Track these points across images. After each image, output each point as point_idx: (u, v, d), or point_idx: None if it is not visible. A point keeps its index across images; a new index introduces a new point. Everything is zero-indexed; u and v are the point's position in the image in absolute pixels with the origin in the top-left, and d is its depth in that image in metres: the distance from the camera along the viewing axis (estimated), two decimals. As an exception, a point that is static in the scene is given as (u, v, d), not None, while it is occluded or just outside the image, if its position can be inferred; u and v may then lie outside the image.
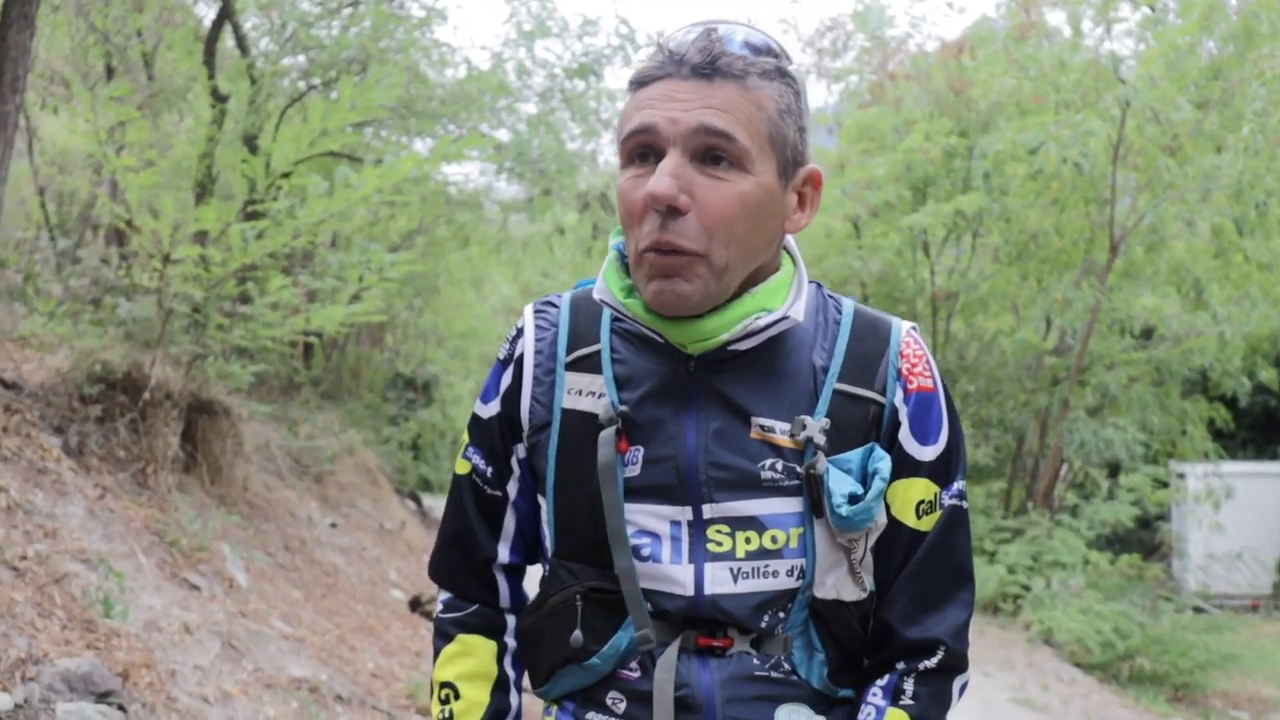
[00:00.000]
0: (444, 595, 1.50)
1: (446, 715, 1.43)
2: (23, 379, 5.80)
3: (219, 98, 9.12)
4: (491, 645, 1.46)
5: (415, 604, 7.53)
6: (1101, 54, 10.83)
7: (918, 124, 11.64)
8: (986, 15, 13.43)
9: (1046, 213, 10.79)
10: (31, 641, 3.61)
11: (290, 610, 5.74)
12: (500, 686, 1.45)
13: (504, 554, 1.46)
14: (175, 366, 6.37)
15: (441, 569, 1.50)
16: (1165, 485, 12.48)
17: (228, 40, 9.69)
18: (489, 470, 1.44)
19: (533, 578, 1.51)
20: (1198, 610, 11.20)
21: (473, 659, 1.45)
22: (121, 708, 3.45)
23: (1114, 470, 12.81)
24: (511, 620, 1.48)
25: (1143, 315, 11.80)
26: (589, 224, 12.68)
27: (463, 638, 1.46)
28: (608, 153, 13.76)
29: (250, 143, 9.06)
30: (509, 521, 1.45)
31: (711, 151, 1.23)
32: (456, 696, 1.44)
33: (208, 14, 10.27)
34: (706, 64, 1.23)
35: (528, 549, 1.47)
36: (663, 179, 1.21)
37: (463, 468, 1.46)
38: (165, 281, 5.95)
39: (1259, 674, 11.03)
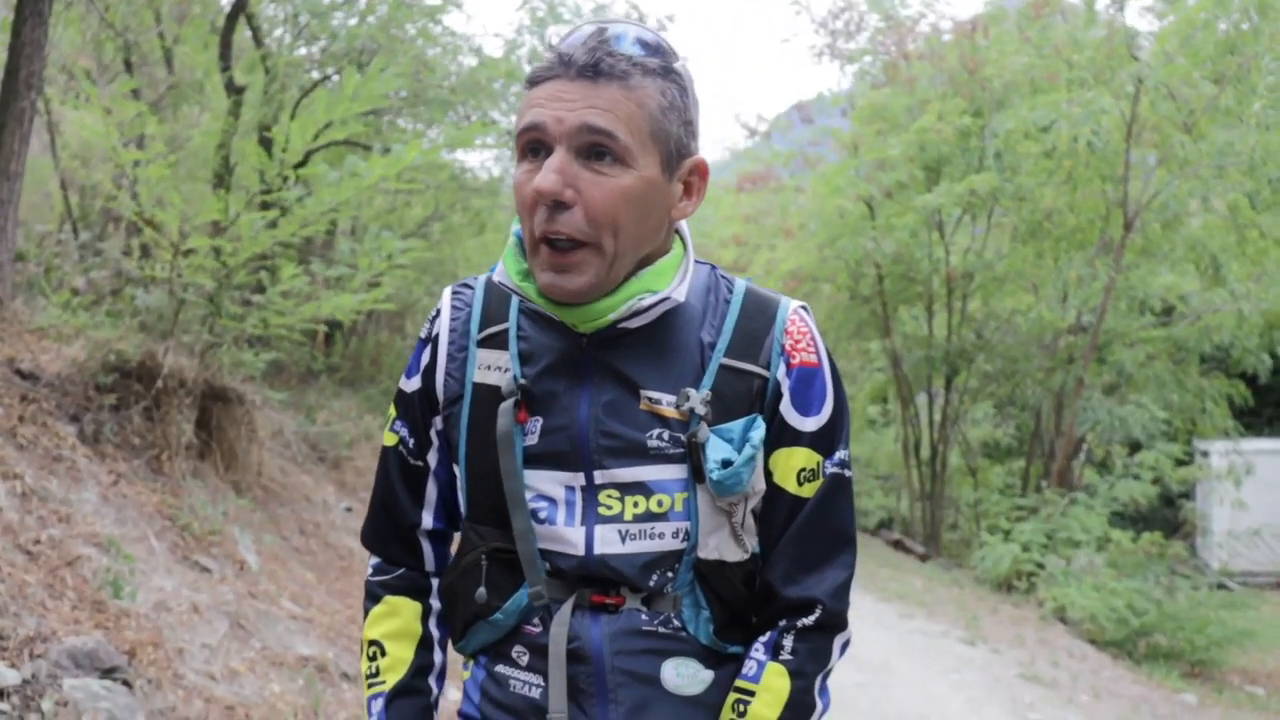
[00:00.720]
0: (374, 560, 1.60)
1: (373, 671, 1.54)
2: (40, 369, 5.94)
3: (234, 89, 9.25)
4: (416, 606, 1.56)
5: (430, 586, 7.66)
6: (1116, 30, 10.77)
7: (931, 104, 11.64)
8: (1001, -6, 13.33)
9: (1060, 191, 10.76)
10: (41, 621, 3.74)
11: (301, 591, 5.87)
12: (424, 645, 1.56)
13: (428, 520, 1.56)
14: (189, 355, 6.50)
15: (370, 535, 1.60)
16: (1185, 463, 12.45)
17: (244, 32, 9.82)
18: (412, 441, 1.54)
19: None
20: (1221, 587, 11.20)
21: (398, 619, 1.55)
22: (127, 683, 3.57)
23: (1135, 448, 12.78)
24: (436, 583, 1.58)
25: (1161, 292, 11.76)
26: (603, 209, 12.72)
27: (389, 599, 1.56)
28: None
29: (264, 133, 9.19)
30: (431, 490, 1.55)
31: (595, 148, 1.31)
32: (383, 653, 1.54)
33: (224, 6, 10.41)
34: (591, 65, 1.31)
35: (450, 516, 1.57)
36: (548, 175, 1.30)
37: (390, 440, 1.56)
38: (177, 272, 6.07)
39: (1278, 650, 11.02)
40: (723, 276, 1.50)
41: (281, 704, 4.28)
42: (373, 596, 1.58)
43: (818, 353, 1.44)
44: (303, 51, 9.70)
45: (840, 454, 1.45)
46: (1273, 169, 9.24)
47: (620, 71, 1.32)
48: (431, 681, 1.57)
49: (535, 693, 1.42)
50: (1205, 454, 14.64)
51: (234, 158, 9.14)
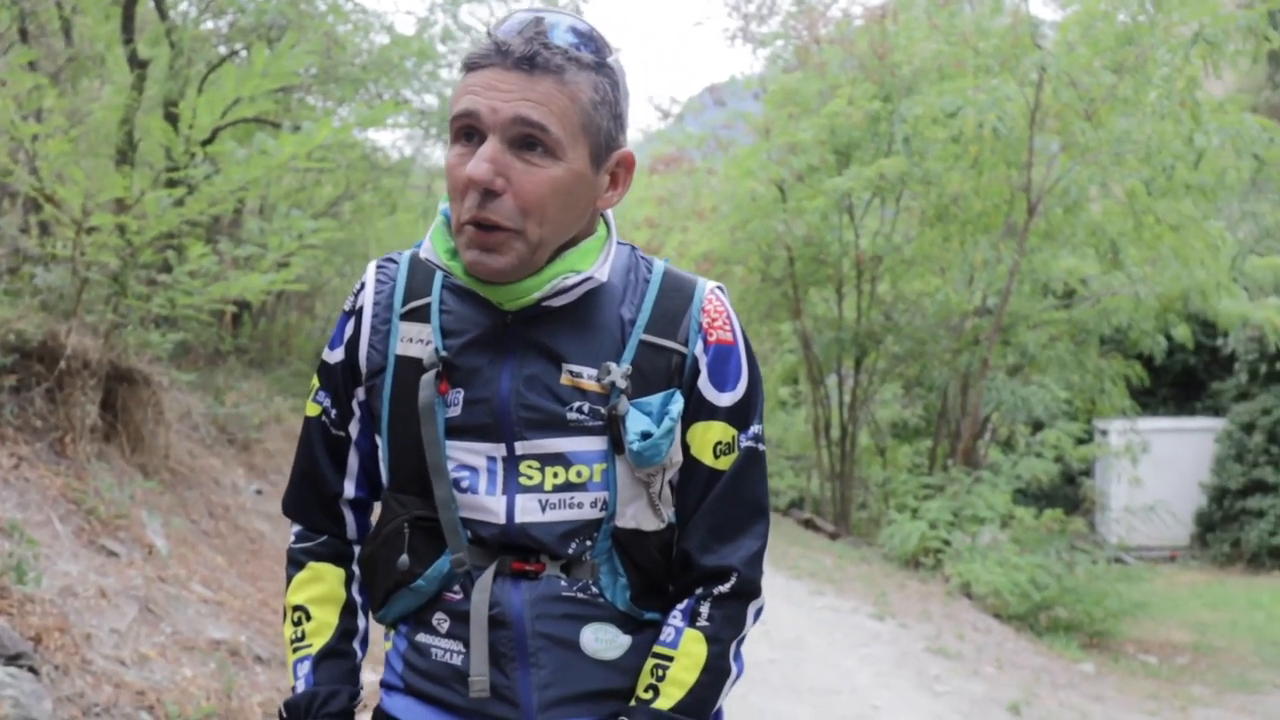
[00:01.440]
0: (295, 528, 1.62)
1: (299, 635, 1.56)
2: (-65, 349, 5.76)
3: (138, 63, 9.00)
4: (340, 572, 1.59)
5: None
6: (1020, 19, 11.02)
7: (842, 88, 11.79)
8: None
9: (966, 176, 10.99)
10: (-60, 607, 3.64)
11: (211, 575, 5.78)
12: (348, 610, 1.58)
13: (349, 489, 1.59)
14: (93, 335, 6.34)
15: (292, 504, 1.62)
16: (1085, 441, 12.86)
17: (147, 3, 9.54)
18: (334, 412, 1.57)
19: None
20: (1118, 561, 11.59)
21: (323, 584, 1.57)
22: (33, 669, 3.50)
23: (1038, 427, 13.15)
24: (358, 550, 1.60)
25: (1063, 276, 12.09)
26: (517, 189, 12.65)
27: (313, 565, 1.58)
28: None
29: (170, 109, 8.96)
30: (353, 460, 1.58)
31: (527, 139, 1.36)
32: (308, 618, 1.56)
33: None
34: (527, 58, 1.34)
35: (371, 485, 1.60)
36: (480, 164, 1.34)
37: (312, 410, 1.59)
38: (80, 250, 5.91)
39: (1171, 620, 11.46)
40: (642, 257, 1.55)
41: (194, 688, 4.22)
42: (296, 563, 1.59)
43: (733, 331, 1.50)
44: (210, 25, 9.47)
45: (754, 428, 1.51)
46: (1168, 157, 9.54)
47: (555, 65, 1.35)
48: (356, 645, 1.59)
49: (457, 659, 1.45)
50: (1104, 433, 15.14)
51: (137, 134, 8.91)
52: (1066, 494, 15.65)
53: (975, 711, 6.28)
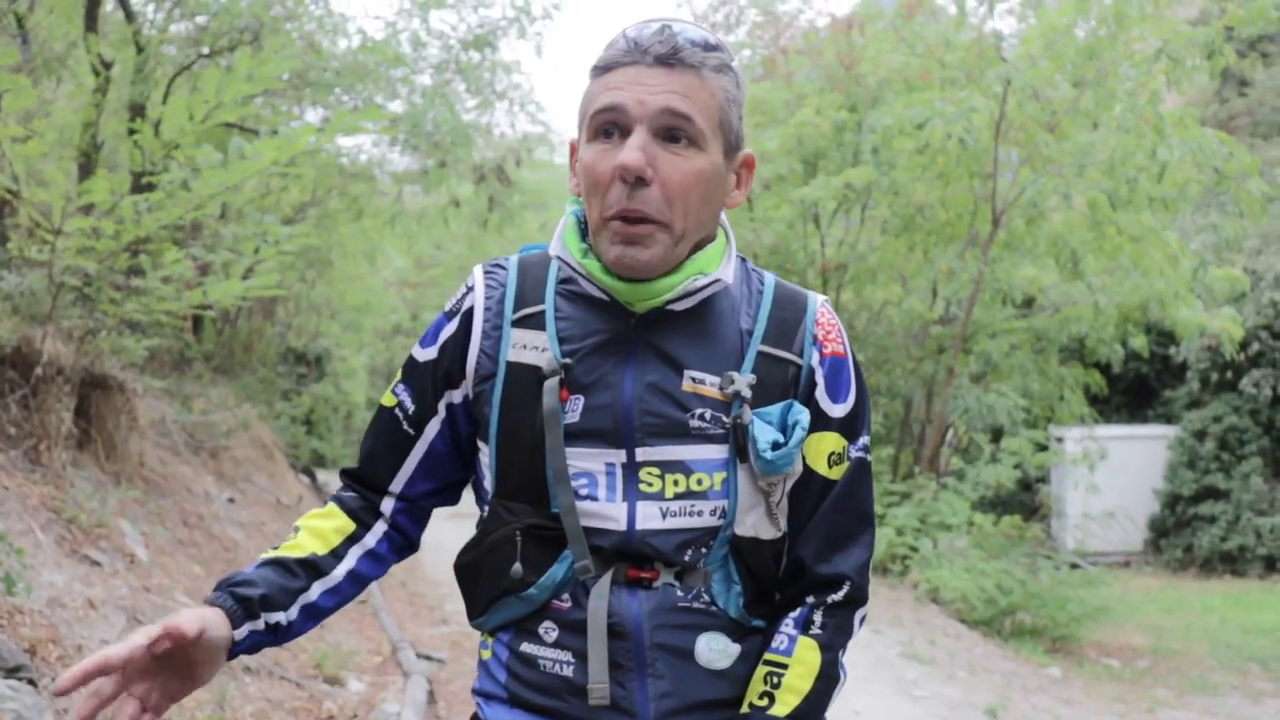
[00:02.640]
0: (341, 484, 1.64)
1: (275, 545, 1.55)
2: (-94, 355, 5.64)
3: (103, 64, 8.87)
4: (349, 526, 1.58)
5: (317, 577, 7.53)
6: (985, 33, 11.18)
7: (809, 98, 11.87)
8: (874, -9, 13.68)
9: (932, 186, 11.12)
10: (-66, 619, 3.57)
11: (193, 585, 5.71)
12: (334, 553, 1.55)
13: (396, 487, 1.60)
14: (66, 341, 6.24)
15: (348, 473, 1.63)
16: (1044, 448, 13.04)
17: (108, 4, 9.41)
18: (412, 408, 1.57)
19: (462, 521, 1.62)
20: (1074, 567, 11.76)
21: (328, 520, 1.57)
22: (32, 682, 3.44)
23: (997, 435, 13.32)
24: (380, 530, 1.59)
25: (1023, 285, 12.26)
26: (485, 196, 12.65)
27: (333, 505, 1.60)
28: (503, 125, 13.67)
29: (137, 112, 8.84)
30: (413, 459, 1.58)
31: (672, 130, 1.39)
32: (295, 534, 1.56)
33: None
34: (670, 54, 1.39)
35: (421, 488, 1.60)
36: (634, 152, 1.37)
37: (389, 400, 1.59)
38: (56, 254, 5.81)
39: (1129, 624, 11.65)
40: (753, 269, 1.57)
41: (186, 699, 4.16)
42: (324, 502, 1.60)
43: (844, 343, 1.54)
44: (180, 28, 9.35)
45: (864, 439, 1.54)
46: (1131, 169, 9.73)
47: (696, 60, 1.40)
48: (310, 580, 1.52)
49: (568, 670, 1.44)
50: (1060, 440, 15.36)
51: (100, 136, 8.77)
52: (1023, 501, 15.84)
53: (954, 715, 6.35)
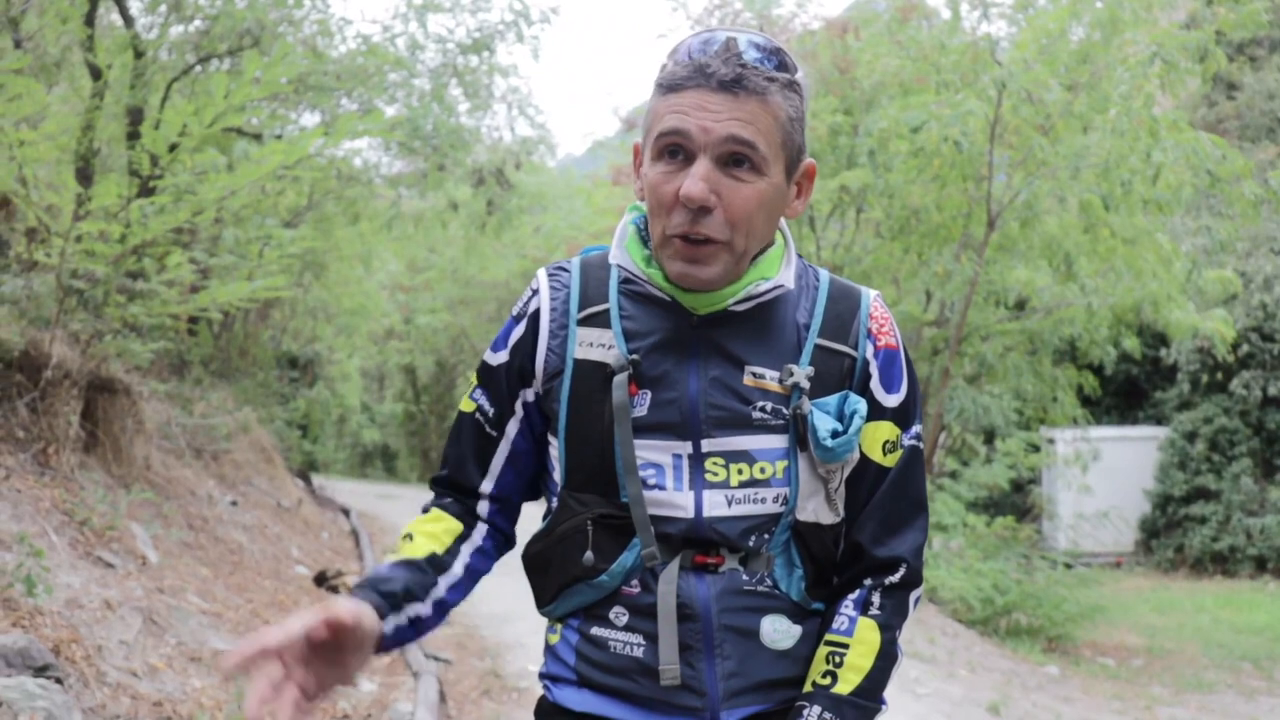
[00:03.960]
0: (432, 495, 1.69)
1: (394, 548, 1.61)
2: (-85, 359, 5.65)
3: (104, 69, 8.86)
4: (458, 527, 1.63)
5: (321, 579, 7.55)
6: (979, 36, 11.25)
7: (804, 102, 11.91)
8: (867, -5, 13.77)
9: (927, 189, 11.17)
10: (-41, 620, 3.59)
11: (203, 586, 5.74)
12: (450, 552, 1.60)
13: (487, 487, 1.64)
14: (73, 345, 6.26)
15: (438, 481, 1.68)
16: (1037, 450, 13.12)
17: (105, 7, 9.40)
18: (491, 411, 1.62)
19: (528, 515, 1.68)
20: (1067, 567, 11.84)
21: (439, 524, 1.62)
22: (59, 681, 3.46)
23: (990, 436, 13.39)
24: (482, 529, 1.64)
25: (1017, 287, 12.33)
26: (483, 199, 12.68)
27: (437, 510, 1.64)
28: (502, 128, 13.68)
29: (135, 117, 8.84)
30: (498, 459, 1.63)
31: (735, 156, 1.44)
32: (410, 540, 1.60)
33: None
34: (733, 80, 1.43)
35: (510, 485, 1.65)
36: (697, 183, 1.43)
37: (467, 406, 1.65)
38: (65, 258, 5.83)
39: (1123, 624, 11.74)
40: (808, 265, 1.63)
41: (205, 699, 4.20)
42: (425, 510, 1.65)
43: (896, 336, 1.60)
44: (178, 32, 9.35)
45: (915, 428, 1.60)
46: (1125, 172, 9.80)
47: (760, 87, 1.44)
48: (436, 577, 1.57)
49: (639, 651, 1.50)
50: (1052, 441, 15.45)
51: (97, 141, 8.77)
52: (1015, 502, 15.92)
53: (957, 713, 6.41)
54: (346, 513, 11.52)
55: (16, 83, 5.32)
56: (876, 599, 1.54)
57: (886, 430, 1.56)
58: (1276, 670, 9.36)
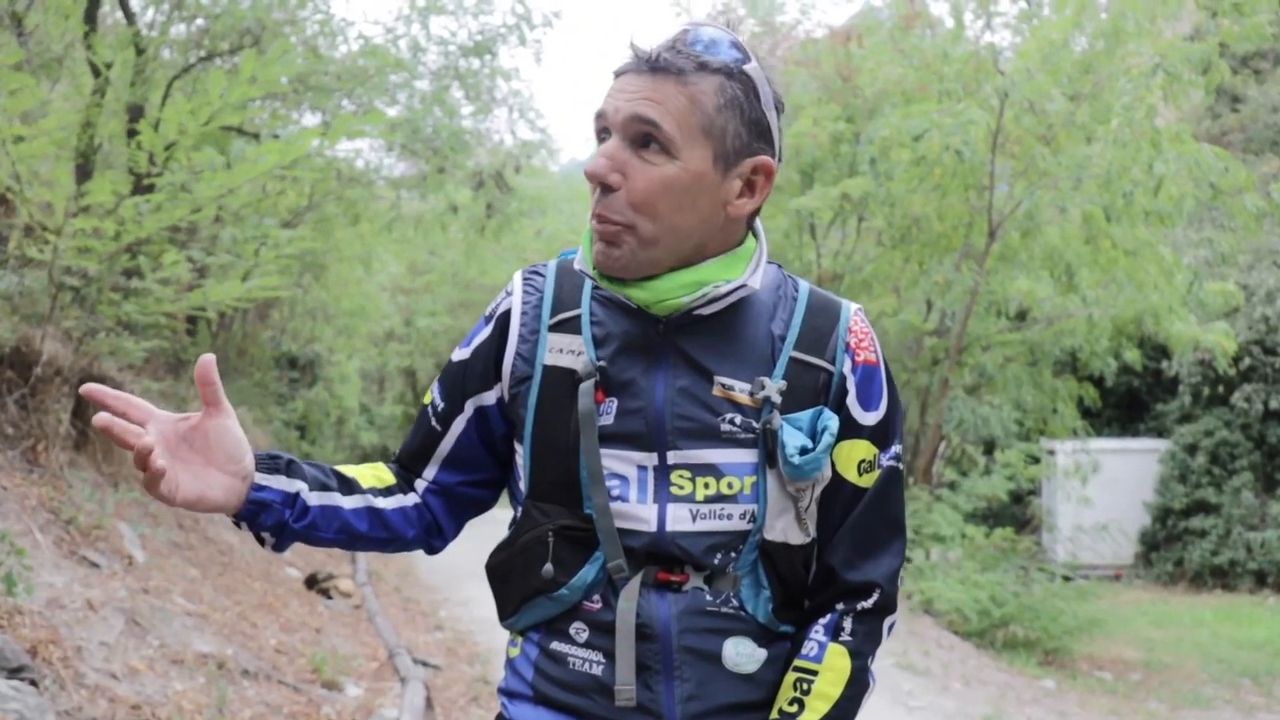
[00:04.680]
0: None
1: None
2: (-96, 354, 5.61)
3: (105, 66, 8.85)
4: (391, 479, 1.62)
5: (312, 582, 7.51)
6: (981, 46, 11.23)
7: (806, 109, 11.89)
8: (871, 3, 13.74)
9: (929, 198, 11.14)
10: (-65, 618, 3.55)
11: (190, 587, 5.69)
12: (371, 490, 1.58)
13: (429, 473, 1.63)
14: (65, 342, 6.22)
15: (392, 459, 1.68)
16: (1037, 461, 13.07)
17: (107, 4, 9.39)
18: (441, 406, 1.60)
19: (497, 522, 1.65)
20: (1066, 579, 11.78)
21: (374, 471, 1.62)
22: (34, 683, 3.42)
23: (989, 447, 13.34)
24: (413, 498, 1.62)
25: (1017, 298, 12.29)
26: (483, 202, 12.65)
27: (381, 464, 1.64)
28: (502, 131, 13.66)
29: (135, 114, 8.82)
30: (438, 454, 1.61)
31: (643, 136, 1.40)
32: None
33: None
34: (654, 60, 1.40)
35: (449, 481, 1.62)
36: (598, 160, 1.41)
37: (426, 398, 1.64)
38: (57, 255, 5.80)
39: (1121, 638, 11.67)
40: (788, 276, 1.57)
41: (185, 702, 4.15)
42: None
43: (876, 352, 1.54)
44: (179, 30, 9.33)
45: (895, 448, 1.54)
46: (1128, 183, 9.76)
47: (677, 67, 1.40)
48: (344, 495, 1.55)
49: (598, 669, 1.45)
50: (1051, 453, 15.39)
51: (98, 138, 8.75)
52: (1014, 513, 15.86)
53: (950, 727, 6.36)
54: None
55: (13, 78, 5.28)
56: (849, 624, 1.48)
57: (863, 449, 1.50)
58: (1276, 686, 9.29)
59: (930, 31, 11.97)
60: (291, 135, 6.46)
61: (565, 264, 1.58)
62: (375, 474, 1.60)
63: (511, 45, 11.45)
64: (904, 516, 1.55)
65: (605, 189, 1.40)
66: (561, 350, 1.49)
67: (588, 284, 1.53)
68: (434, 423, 1.60)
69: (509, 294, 1.57)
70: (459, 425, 1.58)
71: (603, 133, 1.43)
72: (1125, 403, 17.65)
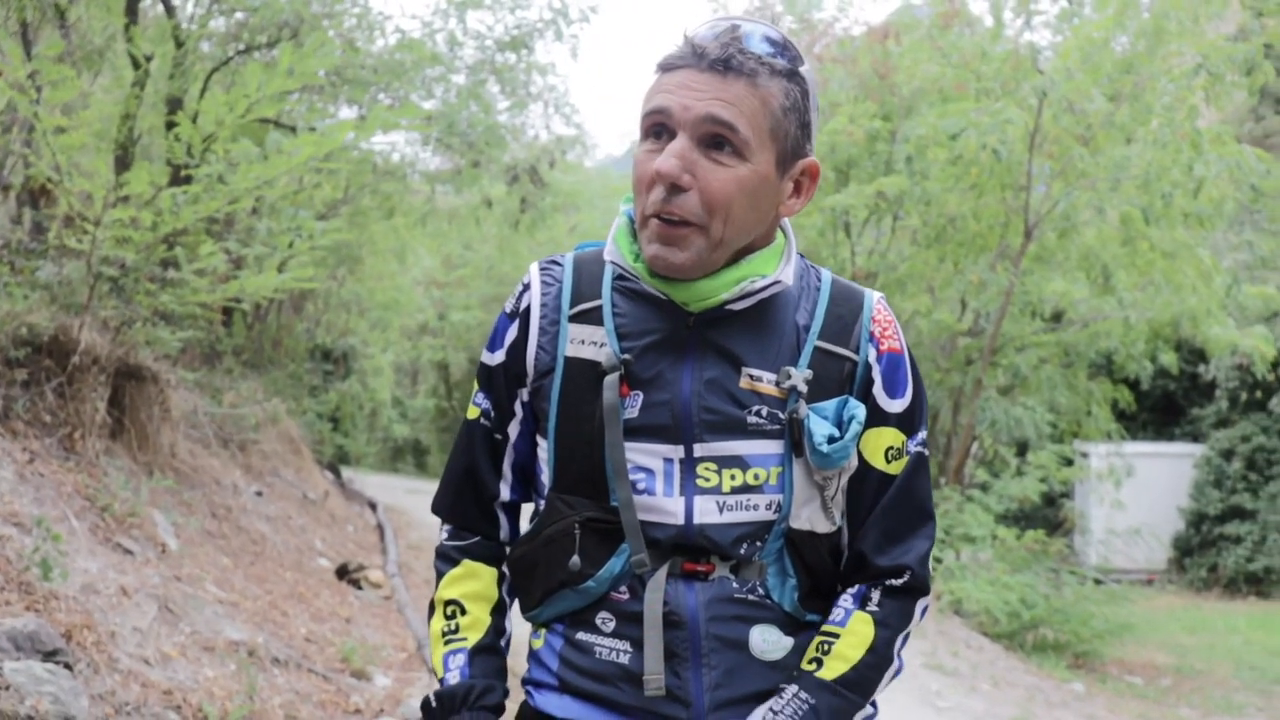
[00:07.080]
0: (447, 527, 1.63)
1: (452, 629, 1.57)
2: (-56, 342, 5.69)
3: (145, 58, 8.94)
4: (493, 572, 1.60)
5: (342, 572, 7.56)
6: (1021, 44, 11.13)
7: (842, 107, 11.84)
8: (910, 1, 13.65)
9: (965, 197, 11.07)
10: (-28, 602, 3.60)
11: (222, 576, 5.75)
12: (499, 609, 1.59)
13: (505, 492, 1.60)
14: (103, 331, 6.29)
15: (446, 505, 1.63)
16: (1070, 463, 12.96)
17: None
18: (494, 415, 1.58)
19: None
20: (1097, 583, 11.68)
21: (478, 581, 1.59)
22: (68, 666, 3.47)
23: (1022, 449, 13.24)
24: (504, 581, 1.62)
25: (1053, 299, 12.19)
26: (517, 197, 12.68)
27: (468, 562, 1.60)
28: (537, 126, 13.70)
29: (174, 106, 8.91)
30: (508, 462, 1.59)
31: (715, 138, 1.39)
32: (463, 612, 1.57)
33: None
34: (722, 60, 1.38)
35: (523, 488, 1.61)
36: (670, 159, 1.38)
37: (472, 413, 1.61)
38: (95, 244, 5.87)
39: (1152, 642, 11.56)
40: (810, 266, 1.58)
41: (216, 688, 4.20)
42: (449, 559, 1.60)
43: (900, 340, 1.54)
44: (218, 24, 9.42)
45: (921, 434, 1.54)
46: (1167, 185, 9.66)
47: (749, 69, 1.39)
48: (504, 645, 1.60)
49: (624, 658, 1.46)
50: (1085, 455, 15.26)
51: (138, 129, 8.85)
52: (1046, 515, 15.73)
53: (977, 729, 6.32)
54: (374, 506, 11.54)
55: (55, 70, 5.36)
56: (876, 596, 1.50)
57: (890, 436, 1.51)
58: (1308, 695, 9.18)
59: (969, 30, 11.89)
60: (328, 128, 6.50)
61: (584, 255, 1.58)
62: (486, 585, 1.60)
63: (548, 40, 11.46)
64: (931, 501, 1.55)
65: (674, 189, 1.39)
66: (583, 341, 1.49)
67: (608, 274, 1.52)
68: (495, 434, 1.58)
69: (526, 286, 1.57)
70: (515, 429, 1.58)
71: (656, 128, 1.41)
72: (1160, 406, 17.48)
